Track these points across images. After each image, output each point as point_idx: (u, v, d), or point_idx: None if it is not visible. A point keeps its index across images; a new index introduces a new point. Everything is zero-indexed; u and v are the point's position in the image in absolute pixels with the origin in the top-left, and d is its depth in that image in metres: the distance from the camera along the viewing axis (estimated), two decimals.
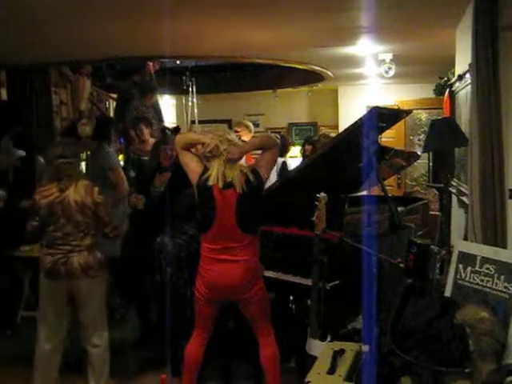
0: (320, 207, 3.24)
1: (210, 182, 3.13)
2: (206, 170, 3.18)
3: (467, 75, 3.66)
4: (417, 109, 7.66)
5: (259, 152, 3.37)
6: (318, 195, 3.25)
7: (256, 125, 9.82)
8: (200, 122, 8.34)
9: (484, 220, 2.90)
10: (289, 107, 9.93)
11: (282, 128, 10.06)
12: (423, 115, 8.17)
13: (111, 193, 4.62)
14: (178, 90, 8.31)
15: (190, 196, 4.14)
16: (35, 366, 3.52)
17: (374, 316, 3.01)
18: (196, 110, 8.14)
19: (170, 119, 9.01)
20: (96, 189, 3.50)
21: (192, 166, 3.23)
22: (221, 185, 3.12)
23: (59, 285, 3.43)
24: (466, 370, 2.39)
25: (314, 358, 3.12)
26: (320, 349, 3.20)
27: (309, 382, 2.61)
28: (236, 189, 3.11)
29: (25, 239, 3.87)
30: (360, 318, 3.86)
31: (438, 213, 5.87)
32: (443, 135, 3.40)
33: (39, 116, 6.14)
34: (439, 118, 4.34)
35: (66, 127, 6.18)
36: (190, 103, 8.16)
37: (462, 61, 3.99)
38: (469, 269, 2.72)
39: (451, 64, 5.02)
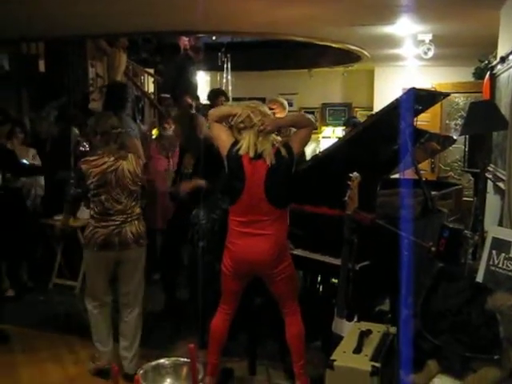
0: (353, 187, 3.21)
1: (241, 152, 3.12)
2: (236, 142, 3.18)
3: (510, 57, 3.56)
4: (455, 92, 7.47)
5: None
6: (350, 175, 3.22)
7: (290, 104, 9.72)
8: (234, 99, 8.29)
9: None
10: (323, 87, 9.83)
11: (316, 108, 9.98)
12: (461, 99, 7.99)
13: None
14: (213, 67, 8.30)
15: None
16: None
17: (403, 298, 3.00)
18: (230, 87, 8.11)
19: (203, 96, 9.00)
20: (141, 160, 3.62)
21: (223, 137, 3.23)
22: (252, 154, 3.10)
23: (110, 256, 3.47)
24: (495, 357, 2.37)
25: (340, 338, 3.12)
26: (346, 329, 3.19)
27: (334, 360, 2.62)
28: (266, 161, 3.10)
29: (63, 208, 3.89)
30: (387, 301, 3.86)
31: (471, 199, 5.78)
32: (482, 118, 3.31)
33: (75, 88, 6.22)
34: (479, 100, 4.23)
35: (81, 99, 6.22)
36: (224, 80, 8.13)
37: (506, 42, 3.88)
38: (502, 255, 2.68)
39: (493, 47, 4.88)
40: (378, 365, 2.54)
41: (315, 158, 4.31)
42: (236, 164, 3.14)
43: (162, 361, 2.08)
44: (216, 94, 5.76)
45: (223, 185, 3.90)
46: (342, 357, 2.65)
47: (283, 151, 3.14)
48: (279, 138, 3.30)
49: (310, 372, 3.40)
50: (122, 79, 6.57)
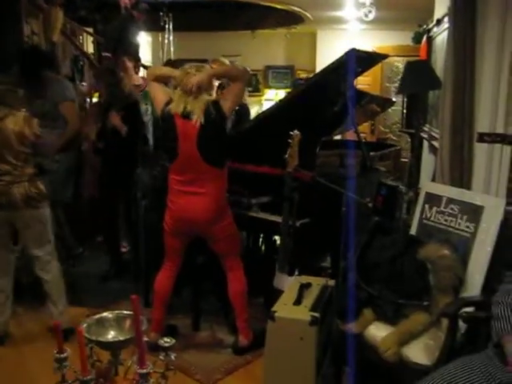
0: (293, 145, 3.26)
1: (172, 110, 3.11)
2: (170, 101, 3.17)
3: (445, 19, 3.66)
4: (394, 56, 7.62)
5: None
6: (291, 132, 3.27)
7: None
8: (176, 60, 8.16)
9: (452, 162, 2.97)
10: (266, 49, 9.79)
11: (259, 70, 9.95)
12: (400, 63, 8.16)
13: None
14: (154, 27, 8.10)
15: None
16: None
17: (341, 252, 3.12)
18: (172, 49, 7.96)
19: (145, 57, 8.81)
20: (36, 120, 3.42)
21: (158, 96, 3.22)
22: (179, 112, 3.09)
23: (1, 216, 3.39)
24: (425, 304, 2.51)
25: (281, 293, 3.22)
26: (287, 283, 3.29)
27: (275, 311, 2.71)
28: (195, 119, 3.08)
29: None
30: (329, 258, 3.99)
31: (408, 160, 5.96)
32: (418, 77, 3.42)
33: (8, 45, 5.93)
34: (414, 60, 4.34)
35: None
36: (166, 41, 7.97)
37: (441, 5, 3.99)
38: (434, 209, 2.82)
39: (431, 12, 5.00)
40: (317, 315, 2.65)
41: (257, 117, 4.35)
42: (168, 123, 3.14)
43: (104, 314, 2.10)
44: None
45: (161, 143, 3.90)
46: (283, 308, 2.75)
47: (212, 109, 3.10)
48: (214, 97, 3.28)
49: (253, 326, 3.48)
50: (58, 38, 6.33)
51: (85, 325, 2.00)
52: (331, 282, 3.07)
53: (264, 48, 9.71)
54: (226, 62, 5.09)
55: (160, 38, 8.23)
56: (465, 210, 2.68)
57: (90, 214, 4.99)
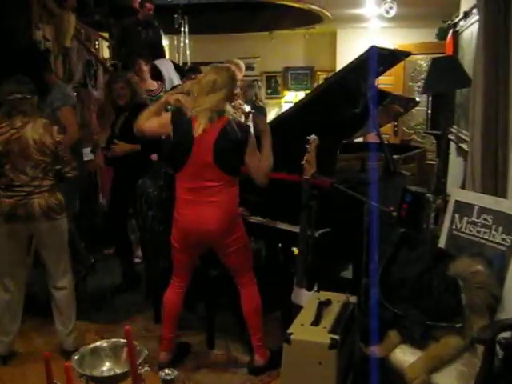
0: (310, 150, 3.06)
1: (188, 114, 2.93)
2: (179, 109, 3.00)
3: (474, 11, 3.40)
4: (417, 53, 7.34)
5: None
6: (308, 137, 3.07)
7: (251, 68, 9.54)
8: (192, 63, 8.01)
9: (484, 167, 2.70)
10: (285, 51, 9.59)
11: (278, 72, 9.75)
12: (424, 61, 7.86)
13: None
14: (169, 30, 7.96)
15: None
16: None
17: (363, 266, 2.87)
18: (188, 52, 7.81)
19: None
20: (55, 127, 3.28)
21: (156, 123, 3.07)
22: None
23: (19, 229, 3.24)
24: (457, 325, 2.26)
25: (299, 308, 3.02)
26: (306, 298, 3.09)
27: (291, 333, 2.49)
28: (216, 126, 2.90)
29: None
30: (349, 267, 3.75)
31: (434, 162, 5.71)
32: (445, 75, 3.17)
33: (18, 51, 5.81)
34: (441, 56, 4.07)
35: None
36: (181, 44, 7.82)
37: None
38: (465, 219, 2.56)
39: (456, 7, 4.73)
40: (336, 337, 2.42)
41: (274, 121, 4.16)
42: (184, 126, 2.94)
43: (99, 343, 1.90)
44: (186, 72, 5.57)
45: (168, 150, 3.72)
46: (300, 330, 2.53)
47: (237, 128, 2.93)
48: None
49: (270, 343, 3.28)
50: (71, 43, 6.20)
51: (77, 356, 1.80)
52: (353, 299, 2.83)
53: (283, 49, 9.52)
54: (240, 63, 4.90)
55: (175, 42, 8.08)
56: (500, 221, 2.42)
57: (103, 224, 4.84)
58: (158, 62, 6.03)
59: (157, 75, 5.87)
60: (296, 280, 3.24)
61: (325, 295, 2.89)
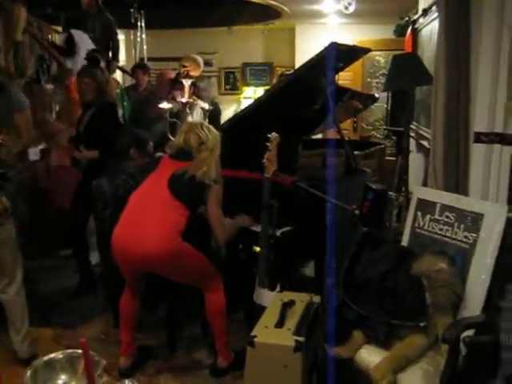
0: (271, 148, 3.01)
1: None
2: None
3: (433, 8, 3.40)
4: (376, 50, 7.37)
5: None
6: (268, 135, 3.01)
7: (209, 64, 9.43)
8: (150, 59, 7.86)
9: (446, 165, 2.70)
10: (244, 46, 9.50)
11: (236, 67, 9.66)
12: (382, 57, 7.92)
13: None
14: (126, 25, 7.77)
15: (129, 133, 3.89)
16: None
17: (326, 265, 2.85)
18: (145, 47, 7.65)
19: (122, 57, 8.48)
20: None
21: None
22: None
23: None
24: (421, 324, 2.25)
25: (262, 308, 2.96)
26: (269, 299, 3.03)
27: (255, 336, 2.43)
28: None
29: None
30: (312, 265, 3.71)
31: (393, 158, 5.74)
32: (406, 72, 3.15)
33: None
34: (402, 53, 4.07)
35: None
36: (138, 39, 7.65)
37: None
38: (428, 217, 2.56)
39: (414, 4, 4.75)
40: (301, 339, 2.37)
41: (233, 118, 4.09)
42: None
43: (54, 355, 1.79)
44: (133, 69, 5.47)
45: (123, 147, 3.61)
46: (264, 332, 2.47)
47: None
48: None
49: (233, 345, 3.22)
50: (22, 37, 5.97)
51: (29, 371, 1.69)
52: (316, 299, 2.80)
53: (241, 45, 9.42)
54: (198, 58, 4.82)
55: (132, 36, 7.90)
56: (462, 218, 2.42)
57: (57, 227, 4.66)
58: (75, 32, 5.82)
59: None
60: (258, 280, 3.19)
61: (288, 295, 2.84)
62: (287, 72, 6.49)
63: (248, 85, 9.67)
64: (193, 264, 2.97)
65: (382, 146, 5.42)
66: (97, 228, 3.77)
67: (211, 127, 3.15)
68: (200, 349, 3.44)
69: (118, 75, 7.94)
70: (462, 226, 2.41)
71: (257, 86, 9.51)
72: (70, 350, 1.83)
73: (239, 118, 3.92)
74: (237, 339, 3.27)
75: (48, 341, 3.57)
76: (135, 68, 6.20)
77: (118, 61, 6.70)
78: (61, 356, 1.78)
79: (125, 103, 6.04)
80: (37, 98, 5.66)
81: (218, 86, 9.48)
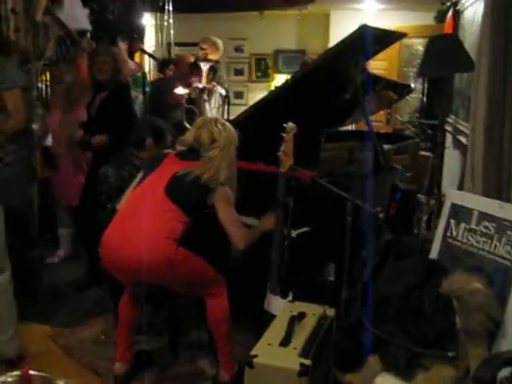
0: (287, 139, 2.69)
1: None
2: None
3: None
4: (414, 37, 6.91)
5: None
6: (285, 125, 2.69)
7: (240, 50, 9.11)
8: (177, 44, 7.60)
9: (487, 165, 2.30)
10: (276, 32, 9.12)
11: (268, 54, 9.31)
12: (421, 45, 7.43)
13: None
14: (153, 8, 7.51)
15: (146, 122, 3.63)
16: None
17: (344, 276, 2.51)
18: (172, 32, 7.38)
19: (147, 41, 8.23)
20: None
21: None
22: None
23: None
24: (450, 354, 1.90)
25: (273, 317, 2.65)
26: (280, 307, 2.72)
27: (255, 355, 2.12)
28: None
29: None
30: (332, 272, 3.38)
31: (428, 153, 5.37)
32: (444, 56, 2.76)
33: None
34: (440, 34, 3.66)
35: None
36: (165, 23, 7.38)
37: None
38: (462, 225, 2.19)
39: None
40: (307, 362, 2.05)
41: (253, 106, 3.79)
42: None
43: (3, 378, 1.52)
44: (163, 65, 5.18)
45: (139, 136, 3.36)
46: (266, 351, 2.15)
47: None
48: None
49: (239, 355, 2.91)
50: (41, 17, 5.76)
51: None
52: (330, 312, 2.46)
53: (273, 31, 9.05)
54: (218, 41, 4.49)
55: (158, 20, 7.64)
56: (504, 230, 2.05)
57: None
58: None
59: None
60: (269, 286, 2.88)
61: (299, 306, 2.52)
62: (308, 60, 6.10)
63: (280, 72, 9.30)
64: (190, 273, 2.68)
65: (416, 140, 5.07)
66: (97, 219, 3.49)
67: (227, 124, 2.86)
68: (204, 356, 3.14)
69: (146, 62, 7.73)
70: (503, 239, 2.03)
71: (289, 73, 9.12)
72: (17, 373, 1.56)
73: (260, 105, 3.62)
74: (244, 349, 2.97)
75: (44, 340, 3.34)
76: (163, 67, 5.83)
77: (142, 42, 6.47)
78: (10, 379, 1.52)
79: (147, 89, 5.78)
80: (54, 80, 5.45)
81: (248, 73, 9.20)
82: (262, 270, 2.97)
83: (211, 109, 4.83)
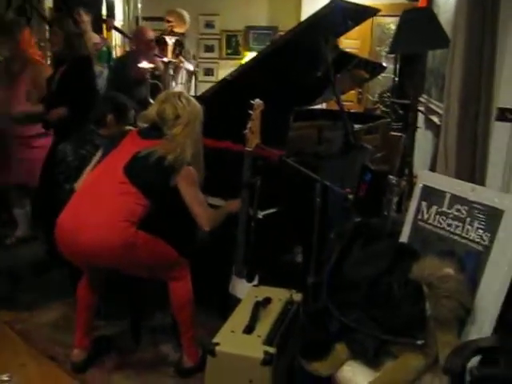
0: (254, 117, 2.58)
1: None
2: None
3: None
4: (386, 15, 6.79)
5: None
6: (252, 101, 2.58)
7: (211, 26, 8.88)
8: (145, 18, 7.36)
9: (460, 146, 2.22)
10: (247, 8, 8.89)
11: (239, 31, 9.10)
12: (393, 24, 7.32)
13: None
14: None
15: (107, 97, 3.47)
16: None
17: (312, 259, 2.42)
18: (139, 5, 7.14)
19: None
20: None
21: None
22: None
23: None
24: (419, 342, 1.83)
25: (238, 301, 2.57)
26: (245, 291, 2.64)
27: (217, 343, 2.02)
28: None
29: None
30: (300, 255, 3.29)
31: (399, 133, 5.31)
32: (417, 32, 2.66)
33: None
34: (413, 8, 3.55)
35: None
36: None
37: None
38: (434, 208, 2.11)
39: None
40: (272, 350, 1.97)
41: (221, 82, 3.65)
42: None
43: None
44: None
45: (100, 112, 3.19)
46: (229, 338, 2.06)
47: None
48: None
49: (202, 339, 2.82)
50: None
51: None
52: (297, 297, 2.38)
53: (244, 6, 8.83)
54: (184, 14, 4.31)
55: None
56: (476, 214, 1.97)
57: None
58: None
59: None
60: (235, 269, 2.78)
61: (264, 291, 2.44)
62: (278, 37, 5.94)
63: (250, 50, 9.08)
64: (151, 257, 2.55)
65: (388, 119, 5.00)
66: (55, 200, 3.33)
67: (191, 98, 2.71)
68: (167, 341, 3.03)
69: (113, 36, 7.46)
70: (475, 223, 1.96)
71: (259, 51, 8.95)
72: None
73: (230, 80, 3.47)
74: (208, 333, 2.87)
75: (1, 326, 3.18)
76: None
77: (114, 18, 6.22)
78: None
79: (111, 63, 5.56)
80: None
81: (219, 50, 8.99)
82: (228, 252, 2.88)
83: (177, 84, 4.66)
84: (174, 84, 4.64)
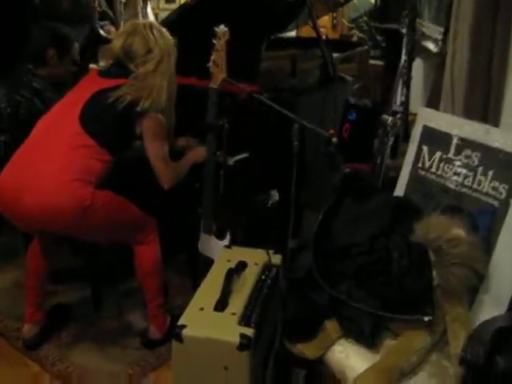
0: (219, 47, 2.18)
1: None
2: None
3: None
4: None
5: None
6: (216, 29, 2.18)
7: None
8: None
9: (472, 81, 1.82)
10: None
11: None
12: None
13: None
14: None
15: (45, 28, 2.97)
16: None
17: (291, 217, 2.07)
18: None
19: None
20: None
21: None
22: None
23: None
24: (425, 319, 1.53)
25: (209, 261, 2.27)
26: (216, 249, 2.32)
27: (184, 326, 1.69)
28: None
29: None
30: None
31: (378, 62, 4.94)
32: None
33: None
34: None
35: None
36: None
37: None
38: (438, 154, 1.76)
39: None
40: (249, 332, 1.64)
41: (182, 7, 3.22)
42: None
43: None
44: None
45: (36, 46, 2.72)
46: (197, 319, 1.73)
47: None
48: None
49: (170, 304, 2.54)
50: None
51: None
52: (276, 259, 2.06)
53: None
54: None
55: None
56: (490, 161, 1.63)
57: None
58: None
59: None
60: (202, 225, 2.44)
61: (238, 253, 2.10)
62: None
63: None
64: (112, 220, 2.20)
65: (365, 47, 4.64)
66: None
67: (164, 30, 2.32)
68: (133, 308, 2.72)
69: None
70: (490, 173, 1.62)
71: None
72: None
73: (187, 8, 3.02)
74: (176, 298, 2.59)
75: None
76: None
77: None
78: None
79: None
80: None
81: None
82: (195, 205, 2.54)
83: (130, 13, 4.14)
84: (125, 13, 4.12)
